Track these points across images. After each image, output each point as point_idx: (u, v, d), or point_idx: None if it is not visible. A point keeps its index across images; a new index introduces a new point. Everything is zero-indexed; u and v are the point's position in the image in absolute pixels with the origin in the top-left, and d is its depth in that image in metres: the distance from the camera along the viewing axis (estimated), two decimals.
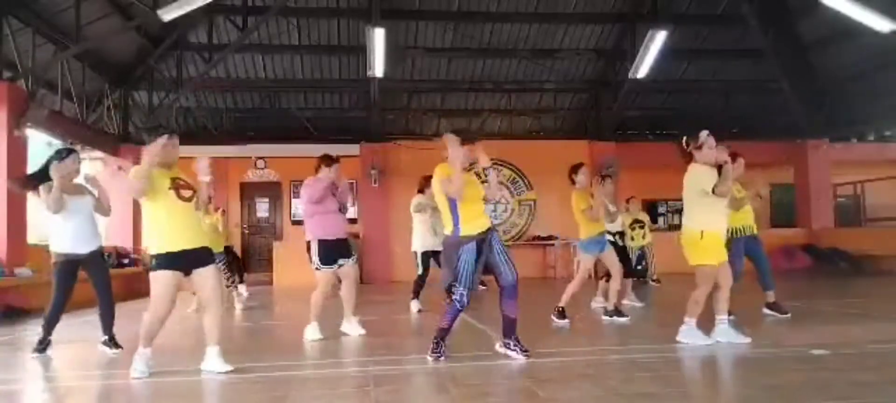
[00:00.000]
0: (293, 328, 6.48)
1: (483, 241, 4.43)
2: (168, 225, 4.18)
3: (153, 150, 4.13)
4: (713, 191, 4.76)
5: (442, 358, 4.42)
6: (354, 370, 4.51)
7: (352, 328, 5.82)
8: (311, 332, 5.65)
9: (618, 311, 6.39)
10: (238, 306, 8.80)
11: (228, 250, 10.38)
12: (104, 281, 5.35)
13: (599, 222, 6.38)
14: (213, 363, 4.22)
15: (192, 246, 4.22)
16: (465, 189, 4.41)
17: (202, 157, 4.37)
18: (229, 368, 4.20)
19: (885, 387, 3.55)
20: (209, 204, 9.17)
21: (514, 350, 4.51)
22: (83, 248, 5.20)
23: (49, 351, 5.23)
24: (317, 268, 5.67)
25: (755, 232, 6.26)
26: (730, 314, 5.25)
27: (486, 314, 6.58)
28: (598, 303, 7.47)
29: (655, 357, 4.50)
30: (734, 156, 6.01)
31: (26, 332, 6.90)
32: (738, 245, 6.07)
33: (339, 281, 5.88)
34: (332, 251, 5.66)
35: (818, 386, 3.55)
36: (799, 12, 12.95)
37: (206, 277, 4.26)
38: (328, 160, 5.81)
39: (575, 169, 6.49)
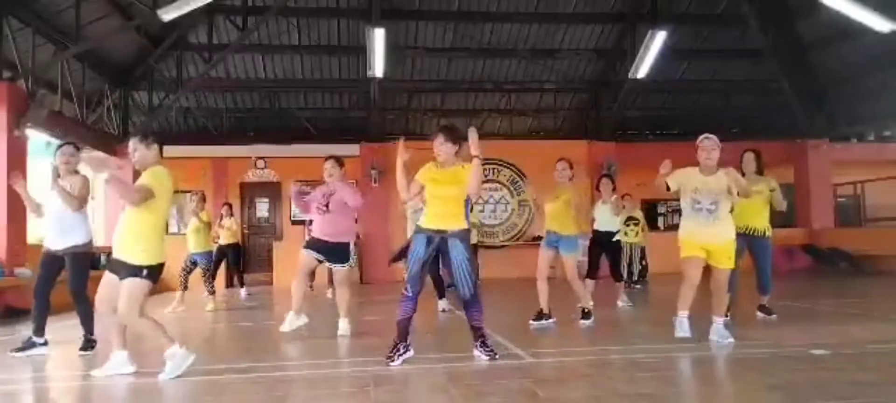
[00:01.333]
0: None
1: (439, 243, 4.47)
2: None
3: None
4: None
5: (396, 362, 4.35)
6: (354, 370, 4.50)
7: (342, 327, 5.89)
8: (288, 322, 5.80)
9: (585, 314, 6.26)
10: (208, 307, 8.63)
11: (231, 248, 10.29)
12: (74, 283, 5.19)
13: (550, 219, 6.22)
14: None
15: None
16: (436, 184, 4.52)
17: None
18: (127, 371, 4.23)
19: (885, 387, 3.55)
20: (203, 204, 9.19)
21: (480, 351, 4.53)
22: (55, 245, 5.16)
23: (34, 352, 5.14)
24: (301, 249, 5.95)
25: (758, 232, 6.16)
26: (726, 313, 5.27)
27: (485, 315, 6.56)
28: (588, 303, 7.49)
29: (655, 358, 4.50)
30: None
31: (26, 332, 6.90)
32: (738, 243, 6.04)
33: (330, 281, 5.99)
34: (315, 245, 5.86)
35: (818, 386, 3.55)
36: (799, 12, 12.95)
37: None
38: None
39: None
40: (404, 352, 4.45)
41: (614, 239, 7.50)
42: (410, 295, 4.45)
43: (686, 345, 4.79)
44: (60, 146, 5.39)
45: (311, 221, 6.23)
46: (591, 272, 7.43)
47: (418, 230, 4.58)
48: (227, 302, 9.89)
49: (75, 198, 5.08)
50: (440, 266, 6.71)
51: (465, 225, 4.58)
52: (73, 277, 5.19)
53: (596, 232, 7.52)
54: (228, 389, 3.92)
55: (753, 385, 3.68)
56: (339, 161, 5.95)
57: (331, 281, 8.05)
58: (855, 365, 4.09)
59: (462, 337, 5.40)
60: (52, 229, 5.18)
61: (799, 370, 3.99)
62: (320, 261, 5.94)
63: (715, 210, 4.93)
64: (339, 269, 5.95)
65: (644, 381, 3.83)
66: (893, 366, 4.16)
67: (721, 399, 3.68)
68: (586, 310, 6.28)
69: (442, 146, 4.57)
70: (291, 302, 5.87)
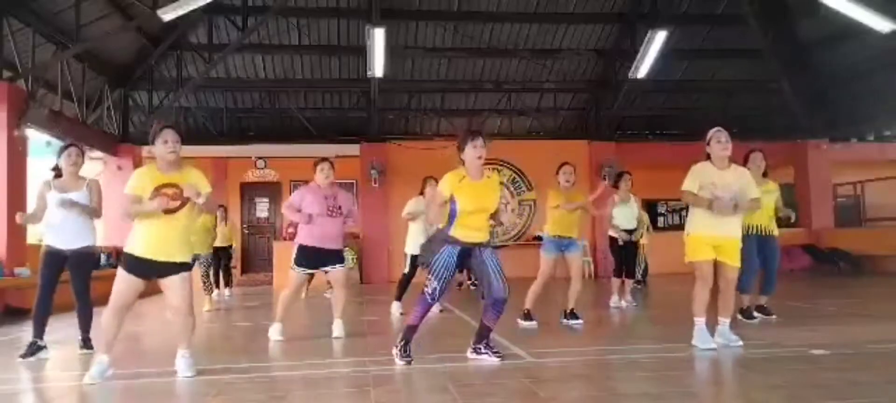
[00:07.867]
0: (293, 328, 6.48)
1: (468, 252, 4.38)
2: (142, 229, 4.09)
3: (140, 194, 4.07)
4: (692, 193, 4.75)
5: (411, 361, 4.35)
6: (354, 370, 4.50)
7: (336, 329, 5.85)
8: (273, 332, 5.74)
9: (573, 314, 6.22)
10: (205, 307, 8.58)
11: (223, 251, 10.36)
12: (80, 283, 5.16)
13: (559, 224, 6.14)
14: (180, 366, 4.18)
15: (158, 258, 4.05)
16: (474, 199, 4.33)
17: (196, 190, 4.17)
18: (193, 373, 4.15)
19: (885, 387, 3.54)
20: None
21: (485, 353, 4.45)
22: (65, 244, 5.10)
23: (41, 355, 5.06)
24: (291, 268, 5.77)
25: (770, 232, 6.15)
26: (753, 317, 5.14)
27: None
28: (614, 303, 7.52)
29: (655, 357, 4.49)
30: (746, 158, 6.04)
31: (26, 332, 6.89)
32: (749, 243, 6.03)
33: (328, 285, 5.90)
34: (310, 258, 5.73)
35: (818, 386, 3.55)
36: (799, 12, 12.96)
37: (171, 287, 4.13)
38: (315, 163, 5.91)
39: (558, 168, 6.41)
40: (411, 355, 4.41)
41: (637, 235, 7.58)
42: (434, 301, 4.40)
43: (686, 345, 4.77)
44: (66, 147, 5.27)
45: (295, 224, 5.99)
46: (620, 271, 7.48)
47: (454, 241, 4.36)
48: (224, 302, 9.91)
49: (99, 210, 5.23)
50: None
51: (489, 236, 4.53)
52: (79, 277, 5.17)
53: (620, 232, 7.52)
54: (228, 389, 3.92)
55: (753, 385, 3.67)
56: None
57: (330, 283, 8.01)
58: (855, 365, 4.09)
59: (463, 338, 5.40)
60: (64, 230, 5.09)
61: (799, 370, 3.98)
62: (310, 275, 5.83)
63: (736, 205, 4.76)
64: (341, 270, 5.91)
65: (644, 381, 3.83)
66: (893, 366, 4.16)
67: (721, 399, 3.67)
68: (571, 310, 6.25)
69: (484, 149, 4.35)
70: (277, 312, 5.81)
